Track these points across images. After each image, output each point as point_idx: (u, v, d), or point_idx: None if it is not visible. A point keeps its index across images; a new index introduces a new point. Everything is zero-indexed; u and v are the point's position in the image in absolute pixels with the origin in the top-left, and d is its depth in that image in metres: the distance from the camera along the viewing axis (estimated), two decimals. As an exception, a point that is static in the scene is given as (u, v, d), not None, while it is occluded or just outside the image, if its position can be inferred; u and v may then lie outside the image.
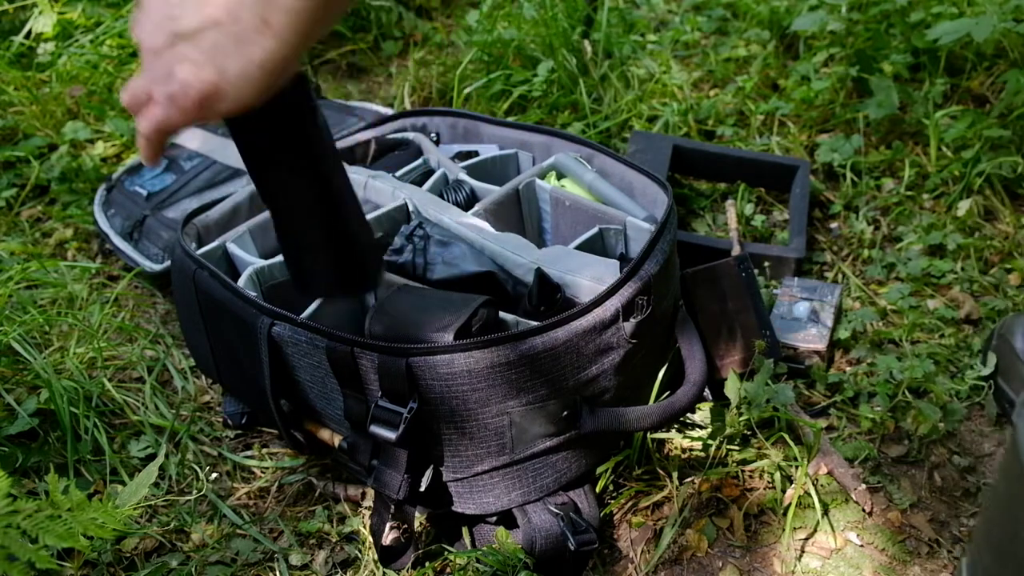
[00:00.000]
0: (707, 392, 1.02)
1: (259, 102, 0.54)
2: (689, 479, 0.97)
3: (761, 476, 0.99)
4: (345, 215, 0.66)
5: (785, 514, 0.93)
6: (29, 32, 1.78)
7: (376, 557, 0.90)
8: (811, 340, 1.09)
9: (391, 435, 0.80)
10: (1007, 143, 1.34)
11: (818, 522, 0.93)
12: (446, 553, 0.91)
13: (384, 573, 0.90)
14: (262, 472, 1.04)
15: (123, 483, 1.00)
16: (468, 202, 1.07)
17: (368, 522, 0.94)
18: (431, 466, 0.84)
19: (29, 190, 1.49)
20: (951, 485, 0.98)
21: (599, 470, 0.93)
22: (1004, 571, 0.59)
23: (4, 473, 0.77)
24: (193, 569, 0.92)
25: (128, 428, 1.08)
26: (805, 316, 1.12)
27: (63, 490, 0.80)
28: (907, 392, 1.04)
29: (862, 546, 0.92)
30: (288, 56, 0.51)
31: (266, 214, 1.05)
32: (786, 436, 0.98)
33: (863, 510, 0.95)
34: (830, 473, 0.98)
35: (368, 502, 0.98)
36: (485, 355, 0.78)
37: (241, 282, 0.92)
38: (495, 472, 0.85)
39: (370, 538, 0.91)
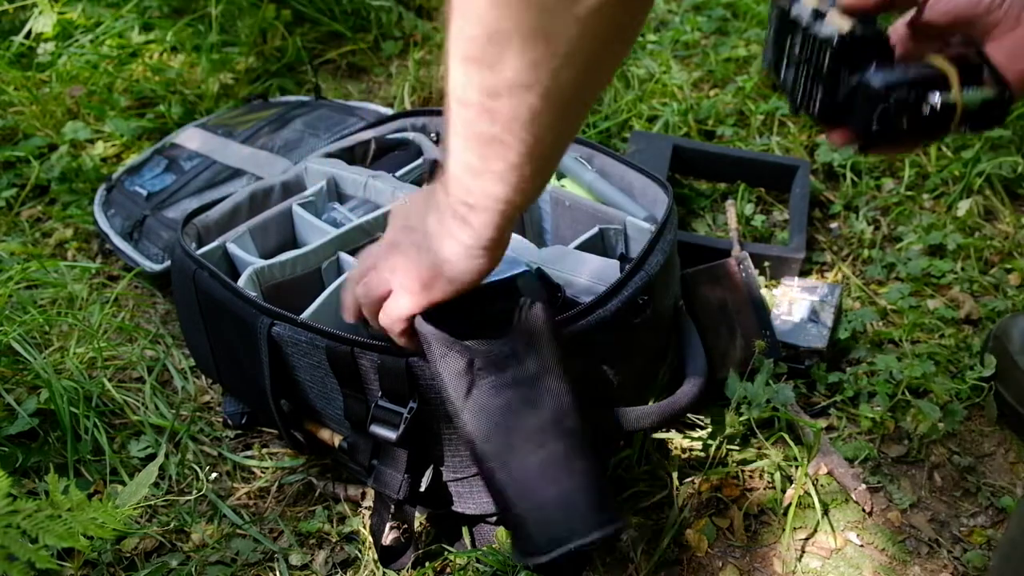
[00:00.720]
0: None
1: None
2: (689, 479, 0.97)
3: (761, 476, 0.99)
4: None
5: (785, 514, 0.94)
6: (29, 32, 1.78)
7: (376, 557, 0.90)
8: (811, 340, 1.09)
9: (391, 435, 0.80)
10: (1007, 143, 1.34)
11: (818, 522, 0.94)
12: (446, 553, 0.91)
13: (384, 573, 0.90)
14: (262, 472, 1.04)
15: (123, 483, 1.00)
16: (468, 202, 1.07)
17: (368, 522, 0.94)
18: (431, 466, 0.84)
19: (29, 190, 1.49)
20: (951, 485, 0.98)
21: (599, 470, 0.93)
22: None
23: (4, 473, 0.77)
24: (193, 569, 0.92)
25: (128, 428, 1.08)
26: (805, 316, 1.12)
27: (63, 490, 0.80)
28: (907, 392, 1.04)
29: (862, 546, 0.92)
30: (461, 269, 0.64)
31: (266, 214, 1.05)
32: (786, 436, 0.98)
33: (863, 510, 0.95)
34: (830, 473, 0.98)
35: (368, 502, 0.98)
36: (485, 355, 0.78)
37: (241, 282, 0.92)
38: (495, 472, 0.85)
39: (370, 538, 0.91)
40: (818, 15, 0.67)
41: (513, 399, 0.69)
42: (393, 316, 0.70)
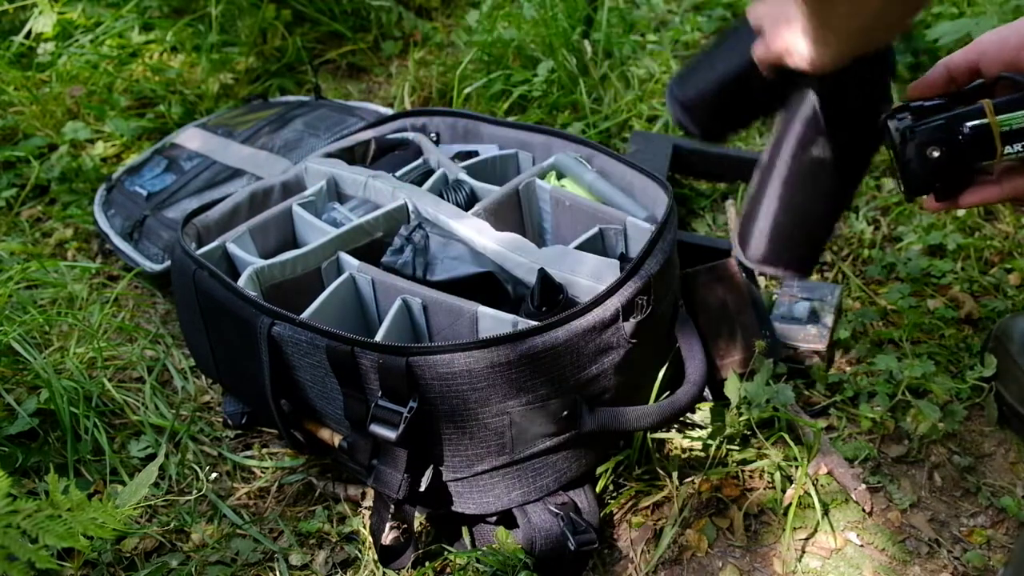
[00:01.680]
0: (707, 392, 1.02)
1: (832, 67, 0.67)
2: (689, 479, 0.97)
3: (761, 476, 0.99)
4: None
5: (785, 514, 0.94)
6: (29, 32, 1.78)
7: (376, 557, 0.90)
8: (811, 340, 1.09)
9: (391, 434, 0.80)
10: (1007, 143, 1.34)
11: (818, 522, 0.94)
12: (446, 553, 0.91)
13: (384, 573, 0.90)
14: (262, 472, 1.04)
15: (123, 483, 1.00)
16: (468, 202, 1.07)
17: (368, 522, 0.94)
18: (431, 465, 0.84)
19: (29, 190, 1.49)
20: (951, 485, 0.98)
21: (599, 470, 0.93)
22: None
23: (4, 473, 0.77)
24: (193, 569, 0.92)
25: (128, 428, 1.08)
26: (805, 316, 1.11)
27: (63, 490, 0.80)
28: (907, 392, 1.04)
29: (862, 546, 0.92)
30: (842, 51, 0.66)
31: (266, 214, 1.05)
32: (786, 436, 0.98)
33: (863, 510, 0.95)
34: (830, 473, 0.98)
35: (368, 502, 0.98)
36: (485, 355, 0.78)
37: (241, 282, 0.92)
38: (495, 472, 0.85)
39: (370, 538, 0.91)
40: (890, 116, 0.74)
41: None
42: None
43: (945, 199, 0.73)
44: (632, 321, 0.85)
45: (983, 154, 0.69)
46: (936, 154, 0.69)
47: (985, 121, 0.68)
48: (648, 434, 0.96)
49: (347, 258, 0.99)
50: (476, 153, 1.18)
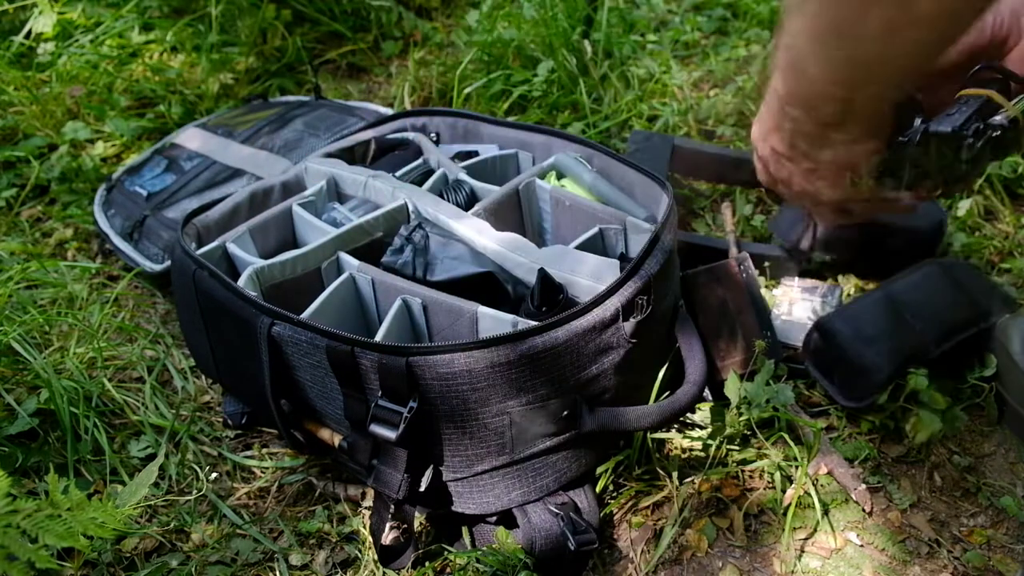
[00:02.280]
0: (707, 392, 1.02)
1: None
2: (689, 479, 0.97)
3: (761, 476, 0.99)
4: None
5: (785, 514, 0.93)
6: (29, 32, 1.78)
7: (376, 557, 0.90)
8: (811, 340, 1.09)
9: (391, 434, 0.80)
10: (1007, 143, 1.34)
11: (818, 522, 0.94)
12: (446, 553, 0.91)
13: (384, 573, 0.90)
14: (262, 472, 1.04)
15: (123, 483, 1.00)
16: (468, 202, 1.07)
17: (368, 522, 0.94)
18: (431, 465, 0.84)
19: (29, 190, 1.49)
20: (951, 485, 0.98)
21: (599, 470, 0.93)
22: None
23: (4, 473, 0.77)
24: (193, 569, 0.92)
25: (128, 428, 1.08)
26: (805, 316, 1.11)
27: (63, 490, 0.80)
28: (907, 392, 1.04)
29: (862, 546, 0.92)
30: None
31: (266, 214, 1.05)
32: (786, 436, 0.98)
33: (863, 510, 0.95)
34: (830, 473, 0.98)
35: (368, 502, 0.98)
36: (485, 355, 0.78)
37: (241, 282, 0.92)
38: (495, 472, 0.85)
39: (370, 538, 0.91)
40: None
41: None
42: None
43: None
44: (632, 321, 0.85)
45: (1011, 147, 0.69)
46: (990, 151, 0.68)
47: (1012, 115, 0.67)
48: (648, 434, 0.96)
49: (347, 258, 0.99)
50: (476, 153, 1.18)
